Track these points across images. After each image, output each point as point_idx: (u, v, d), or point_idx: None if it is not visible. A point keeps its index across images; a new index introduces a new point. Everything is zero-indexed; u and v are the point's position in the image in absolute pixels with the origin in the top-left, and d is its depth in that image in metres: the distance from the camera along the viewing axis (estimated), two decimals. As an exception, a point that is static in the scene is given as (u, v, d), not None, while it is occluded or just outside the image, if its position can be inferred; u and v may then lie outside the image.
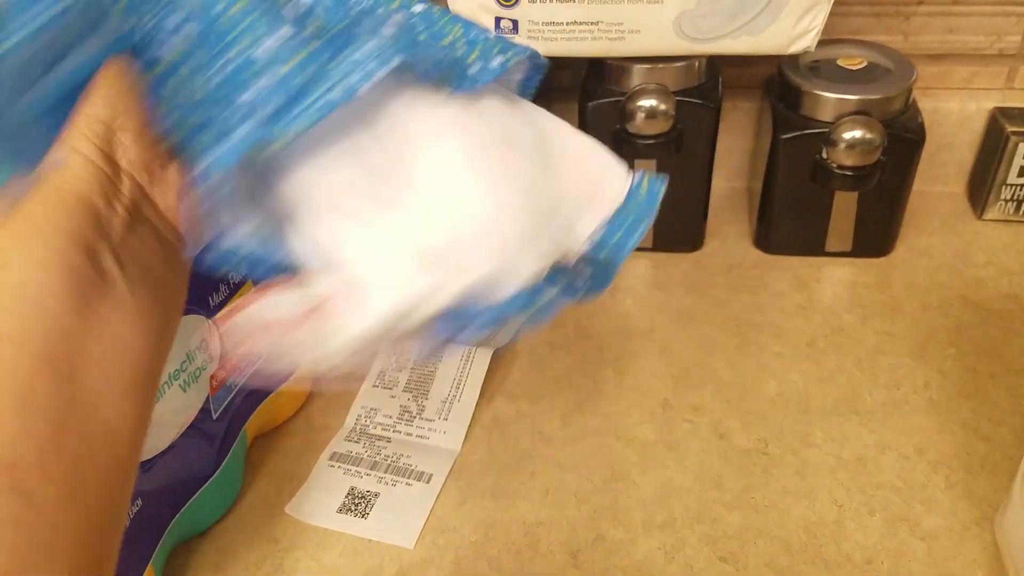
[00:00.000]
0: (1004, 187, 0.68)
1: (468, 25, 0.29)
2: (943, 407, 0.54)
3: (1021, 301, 0.62)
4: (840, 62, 0.63)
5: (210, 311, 0.44)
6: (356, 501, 0.49)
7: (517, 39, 0.32)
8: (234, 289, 0.45)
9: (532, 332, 0.28)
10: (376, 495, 0.49)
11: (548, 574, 0.46)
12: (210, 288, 0.43)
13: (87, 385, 0.24)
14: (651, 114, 0.61)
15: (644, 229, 0.30)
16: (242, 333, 0.27)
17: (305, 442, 0.53)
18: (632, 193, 0.31)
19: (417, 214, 0.27)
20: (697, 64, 0.62)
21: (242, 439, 0.49)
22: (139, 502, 0.41)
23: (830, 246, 0.67)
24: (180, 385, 0.42)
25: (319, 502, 0.49)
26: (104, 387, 0.24)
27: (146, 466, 0.41)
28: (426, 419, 0.54)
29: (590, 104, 0.63)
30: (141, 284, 0.27)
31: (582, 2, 0.56)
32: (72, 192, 0.26)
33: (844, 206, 0.65)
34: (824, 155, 0.62)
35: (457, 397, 0.55)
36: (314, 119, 0.25)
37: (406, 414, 0.54)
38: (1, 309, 0.23)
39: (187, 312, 0.42)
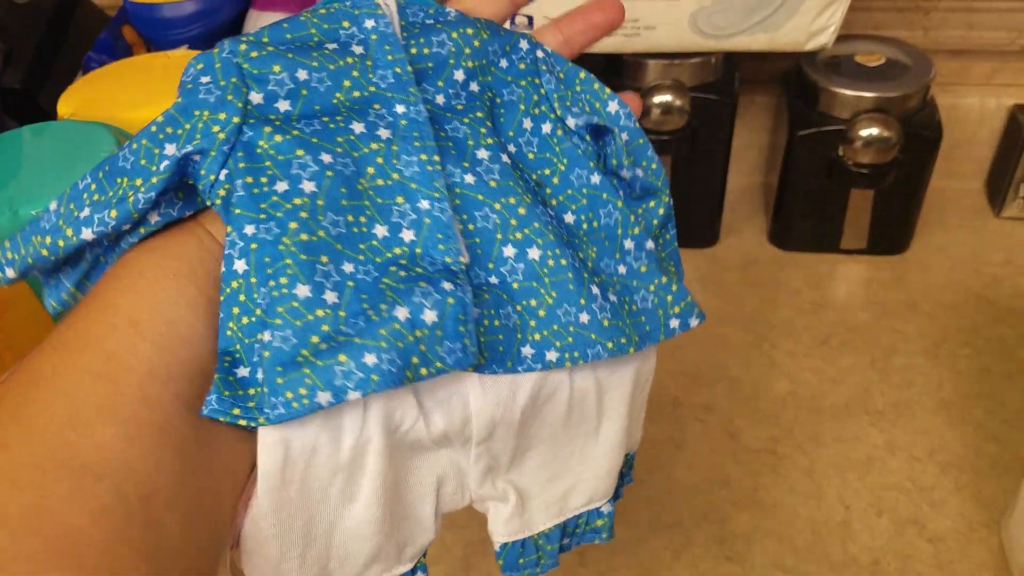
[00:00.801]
0: (1023, 185, 0.67)
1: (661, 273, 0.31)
2: (955, 408, 0.54)
3: (1038, 301, 0.62)
4: (858, 58, 0.63)
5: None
6: (368, 495, 0.49)
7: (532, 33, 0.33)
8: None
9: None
10: (388, 490, 0.49)
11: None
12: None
13: (214, 425, 0.24)
14: (667, 110, 0.61)
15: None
16: None
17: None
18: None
19: (574, 484, 0.32)
20: (714, 60, 0.62)
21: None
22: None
23: (846, 243, 0.67)
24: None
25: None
26: (226, 429, 0.25)
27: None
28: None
29: (605, 100, 0.63)
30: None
31: (597, -2, 0.56)
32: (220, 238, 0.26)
33: (860, 203, 0.64)
34: (840, 153, 0.61)
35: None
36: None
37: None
38: (151, 344, 0.23)
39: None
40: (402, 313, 0.25)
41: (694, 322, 0.31)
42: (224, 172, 0.25)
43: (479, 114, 0.29)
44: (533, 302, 0.28)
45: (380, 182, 0.27)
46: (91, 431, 0.22)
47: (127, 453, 0.22)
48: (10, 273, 0.27)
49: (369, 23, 0.28)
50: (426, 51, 0.29)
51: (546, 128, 0.30)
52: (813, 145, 0.62)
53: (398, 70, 0.28)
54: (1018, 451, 0.51)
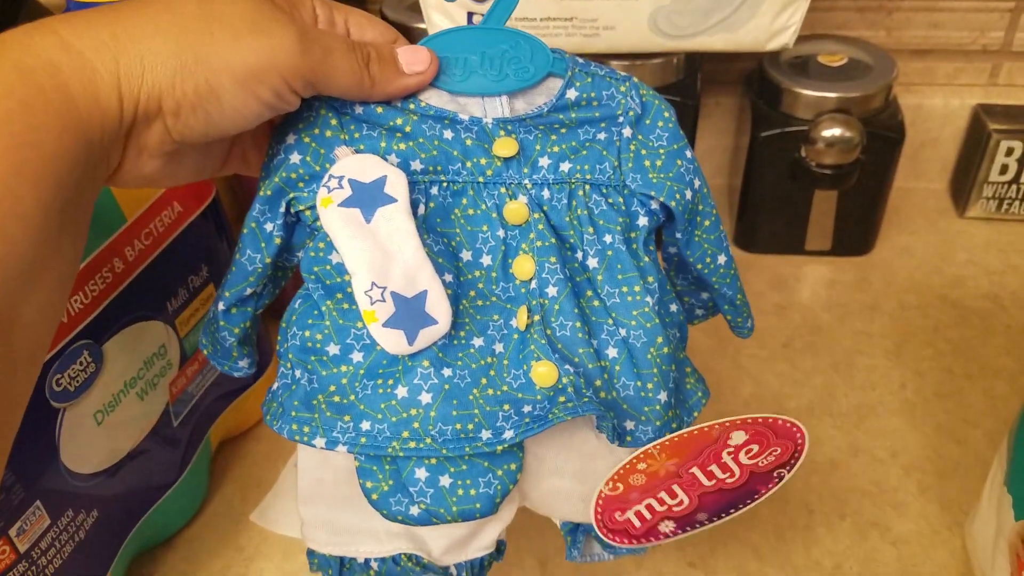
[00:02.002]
0: (986, 185, 0.67)
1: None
2: (918, 409, 0.54)
3: (1000, 300, 0.61)
4: (820, 59, 0.63)
5: (168, 317, 0.43)
6: (322, 507, 0.48)
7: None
8: (193, 294, 0.44)
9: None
10: (342, 501, 0.48)
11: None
12: (168, 294, 0.43)
13: (14, 344, 0.24)
14: (628, 111, 0.60)
15: None
16: None
17: (272, 447, 0.52)
18: None
19: None
20: (675, 60, 0.61)
21: (206, 445, 0.48)
22: (95, 512, 0.40)
23: (810, 244, 0.66)
24: (137, 393, 0.41)
25: (284, 509, 0.48)
26: (23, 355, 0.24)
27: (102, 476, 0.40)
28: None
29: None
30: (81, 237, 0.27)
31: (556, -2, 0.55)
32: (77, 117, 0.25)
33: (824, 204, 0.64)
34: (803, 153, 0.61)
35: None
36: None
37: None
38: None
39: (144, 319, 0.41)
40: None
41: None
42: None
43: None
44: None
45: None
46: None
47: None
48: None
49: None
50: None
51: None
52: (776, 146, 0.62)
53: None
54: (980, 452, 0.50)
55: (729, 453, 0.33)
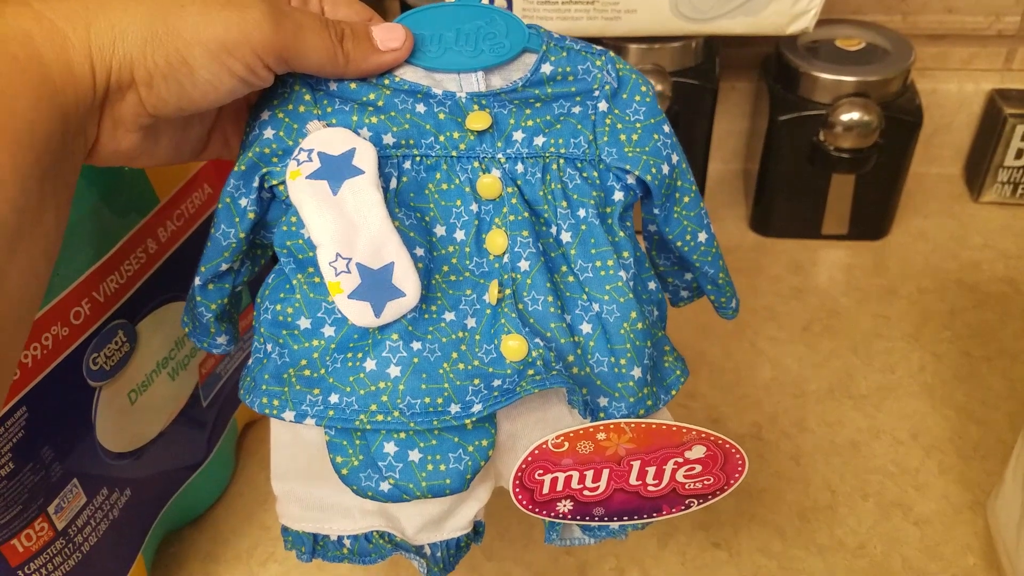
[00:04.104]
0: (1001, 169, 0.67)
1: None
2: (937, 391, 0.54)
3: (1016, 284, 0.62)
4: (838, 43, 0.63)
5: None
6: (348, 488, 0.48)
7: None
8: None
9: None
10: (369, 481, 0.49)
11: (541, 559, 0.45)
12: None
13: None
14: (646, 95, 0.60)
15: None
16: None
17: (297, 428, 0.53)
18: None
19: None
20: (694, 44, 0.61)
21: (232, 427, 0.49)
22: (128, 491, 0.40)
23: (827, 229, 0.66)
24: (168, 373, 0.42)
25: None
26: (6, 322, 0.25)
27: (136, 455, 0.40)
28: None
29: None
30: (64, 209, 0.27)
31: (577, -20, 0.55)
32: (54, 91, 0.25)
33: (841, 188, 0.64)
34: (821, 137, 0.61)
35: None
36: None
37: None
38: None
39: (175, 299, 0.41)
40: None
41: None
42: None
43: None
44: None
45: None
46: None
47: None
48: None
49: None
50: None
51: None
52: (794, 130, 0.62)
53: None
54: (1000, 433, 0.51)
55: (676, 463, 0.32)
